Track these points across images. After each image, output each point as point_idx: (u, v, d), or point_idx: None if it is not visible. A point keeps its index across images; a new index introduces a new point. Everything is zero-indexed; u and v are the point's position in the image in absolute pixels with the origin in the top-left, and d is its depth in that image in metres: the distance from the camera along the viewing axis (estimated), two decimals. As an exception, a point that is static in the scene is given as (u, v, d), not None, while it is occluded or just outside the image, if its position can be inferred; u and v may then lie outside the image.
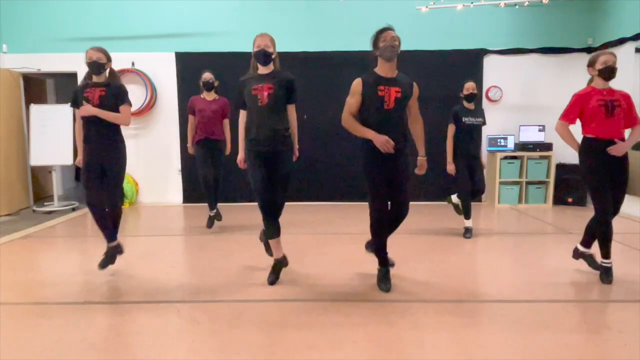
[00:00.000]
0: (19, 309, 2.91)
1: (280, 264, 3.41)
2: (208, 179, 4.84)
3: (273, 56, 3.22)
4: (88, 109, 3.23)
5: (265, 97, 3.17)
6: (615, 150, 3.17)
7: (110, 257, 3.50)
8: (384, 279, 3.22)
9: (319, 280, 3.42)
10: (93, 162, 3.34)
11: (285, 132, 3.26)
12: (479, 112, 4.67)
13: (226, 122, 4.94)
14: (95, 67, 3.27)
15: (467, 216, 4.70)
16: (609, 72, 3.21)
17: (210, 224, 5.08)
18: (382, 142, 2.93)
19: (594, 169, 3.24)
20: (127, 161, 3.51)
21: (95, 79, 3.34)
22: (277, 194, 3.28)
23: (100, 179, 3.36)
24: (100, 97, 3.28)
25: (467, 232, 4.72)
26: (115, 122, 3.33)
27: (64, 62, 6.62)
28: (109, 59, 3.36)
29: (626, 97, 3.27)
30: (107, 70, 3.37)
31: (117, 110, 3.35)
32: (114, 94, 3.33)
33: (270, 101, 3.17)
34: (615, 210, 3.29)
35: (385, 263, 3.27)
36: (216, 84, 4.87)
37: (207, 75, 4.83)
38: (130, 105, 3.42)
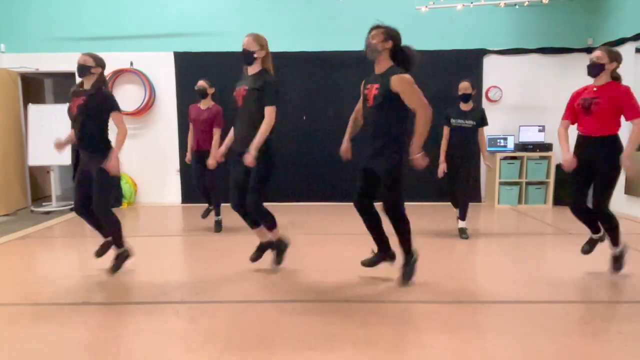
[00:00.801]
0: (16, 310, 2.89)
1: (264, 246, 3.57)
2: (201, 190, 4.92)
3: (255, 55, 3.19)
4: (115, 166, 3.26)
5: (240, 99, 3.22)
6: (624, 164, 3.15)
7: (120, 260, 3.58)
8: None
9: (319, 280, 3.40)
10: (82, 168, 3.39)
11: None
12: (473, 114, 4.58)
13: (215, 130, 4.68)
14: (80, 70, 3.25)
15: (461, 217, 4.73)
16: (589, 69, 3.22)
17: (218, 228, 4.99)
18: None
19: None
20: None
21: (85, 84, 3.33)
22: (246, 193, 3.27)
23: (87, 185, 3.35)
24: (78, 107, 3.24)
25: (463, 233, 4.74)
26: (122, 139, 3.31)
27: (62, 62, 6.59)
28: (98, 64, 3.30)
29: (623, 93, 3.13)
30: (96, 76, 3.30)
31: (101, 119, 3.29)
32: (97, 104, 3.26)
33: (245, 103, 3.21)
34: (595, 207, 3.27)
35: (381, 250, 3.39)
36: (210, 91, 4.76)
37: (200, 84, 4.74)
38: (120, 111, 3.36)
